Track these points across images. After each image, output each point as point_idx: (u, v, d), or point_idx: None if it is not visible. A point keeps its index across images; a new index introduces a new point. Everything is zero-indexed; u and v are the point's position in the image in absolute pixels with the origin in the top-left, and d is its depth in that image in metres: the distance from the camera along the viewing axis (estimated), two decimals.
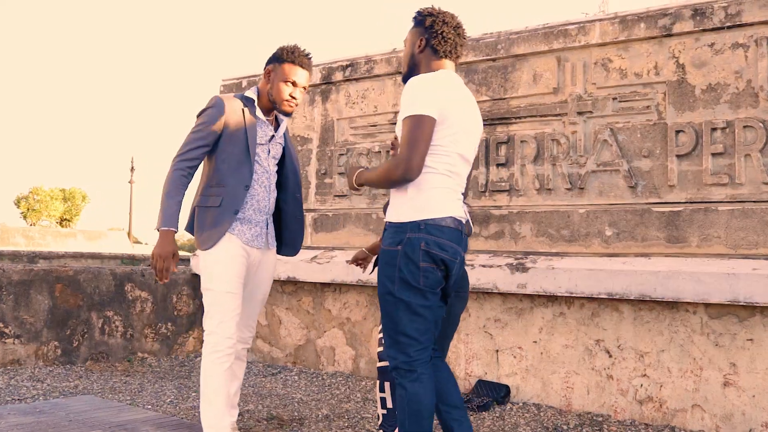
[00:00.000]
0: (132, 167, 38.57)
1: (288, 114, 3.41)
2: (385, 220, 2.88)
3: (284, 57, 3.35)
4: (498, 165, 5.03)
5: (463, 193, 2.87)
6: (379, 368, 3.49)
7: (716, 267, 4.03)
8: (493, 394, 4.73)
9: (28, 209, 39.84)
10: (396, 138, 3.55)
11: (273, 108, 3.41)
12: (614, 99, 4.57)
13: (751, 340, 4.01)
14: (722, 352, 4.10)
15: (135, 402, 4.60)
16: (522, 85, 4.94)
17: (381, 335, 3.52)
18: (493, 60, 5.07)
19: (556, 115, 4.80)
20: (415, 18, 2.90)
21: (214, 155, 3.31)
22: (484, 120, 4.52)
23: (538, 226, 4.80)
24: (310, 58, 3.42)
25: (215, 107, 3.29)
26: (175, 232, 3.20)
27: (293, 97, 3.37)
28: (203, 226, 3.30)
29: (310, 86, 6.14)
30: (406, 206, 2.69)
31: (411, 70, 2.90)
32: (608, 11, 4.82)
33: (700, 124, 4.26)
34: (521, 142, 4.92)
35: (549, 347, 4.69)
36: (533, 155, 4.87)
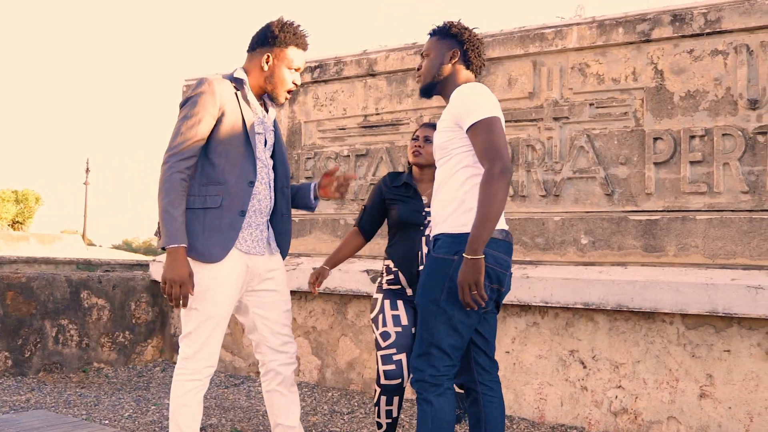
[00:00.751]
0: (87, 168, 37.81)
1: (282, 104, 3.00)
2: (432, 233, 2.75)
3: (288, 40, 2.88)
4: None
5: None
6: (386, 386, 3.41)
7: (694, 277, 3.96)
8: (465, 405, 4.60)
9: None
10: (419, 144, 3.44)
11: (263, 95, 2.97)
12: (591, 105, 4.49)
13: (728, 351, 3.95)
14: (699, 363, 4.03)
15: (91, 417, 4.37)
16: (496, 89, 4.83)
17: (383, 352, 3.42)
18: None
19: (531, 121, 4.70)
20: (445, 30, 2.83)
21: (207, 148, 2.80)
22: None
23: (512, 234, 4.69)
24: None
25: (207, 93, 2.77)
26: (186, 248, 2.70)
27: (296, 85, 2.95)
28: (198, 231, 2.76)
29: None
30: (466, 216, 2.59)
31: (435, 81, 2.82)
32: (585, 16, 4.75)
33: (679, 131, 4.20)
34: None
35: (522, 358, 4.58)
36: None
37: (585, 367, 4.36)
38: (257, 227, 2.91)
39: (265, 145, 2.95)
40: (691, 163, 4.15)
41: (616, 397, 4.25)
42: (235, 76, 2.90)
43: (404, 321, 3.43)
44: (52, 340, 5.70)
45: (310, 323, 5.54)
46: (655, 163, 4.25)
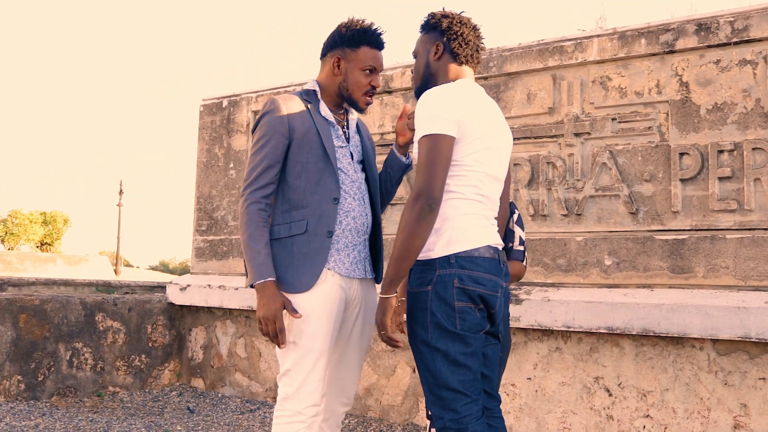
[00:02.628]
0: (120, 190, 38.13)
1: (364, 110, 2.73)
2: None
3: (360, 39, 2.65)
4: None
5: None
6: None
7: (725, 300, 3.74)
8: None
9: (6, 233, 39.16)
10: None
11: (343, 103, 2.73)
12: (613, 119, 4.30)
13: (763, 379, 3.72)
14: (732, 391, 3.80)
15: None
16: (515, 105, 4.66)
17: None
18: (485, 78, 4.79)
19: (551, 137, 4.52)
20: (426, 23, 2.57)
21: (285, 171, 2.61)
22: None
23: (533, 255, 4.50)
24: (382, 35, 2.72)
25: (273, 111, 2.59)
26: (275, 282, 2.50)
27: (374, 87, 2.68)
28: (287, 261, 2.56)
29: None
30: (432, 239, 2.34)
31: (426, 81, 2.54)
32: (606, 27, 4.57)
33: (706, 146, 3.99)
34: (514, 165, 4.63)
35: (544, 384, 4.37)
36: (527, 179, 4.58)
37: (611, 394, 4.14)
38: (354, 247, 2.66)
39: (353, 158, 2.70)
40: (720, 179, 3.94)
41: (644, 426, 4.02)
42: (306, 88, 2.72)
43: None
44: (66, 364, 5.62)
45: None
46: (682, 180, 4.05)
